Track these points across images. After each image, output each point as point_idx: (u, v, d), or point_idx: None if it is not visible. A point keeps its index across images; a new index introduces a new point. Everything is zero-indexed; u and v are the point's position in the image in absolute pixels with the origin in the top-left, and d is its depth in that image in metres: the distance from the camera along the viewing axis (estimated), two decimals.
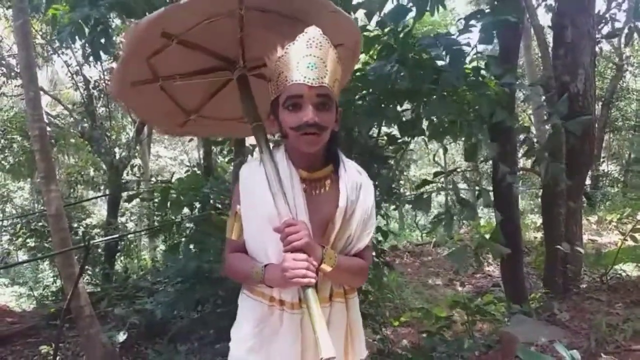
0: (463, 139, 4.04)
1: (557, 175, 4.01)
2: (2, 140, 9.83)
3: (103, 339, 4.08)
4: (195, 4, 1.36)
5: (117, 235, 7.43)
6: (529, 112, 11.36)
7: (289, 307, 1.40)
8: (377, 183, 3.57)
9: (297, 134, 1.32)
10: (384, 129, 4.52)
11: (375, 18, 3.61)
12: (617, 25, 6.25)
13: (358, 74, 3.55)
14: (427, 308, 5.05)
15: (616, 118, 14.06)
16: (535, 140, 4.99)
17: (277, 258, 1.35)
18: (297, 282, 1.24)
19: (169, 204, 4.38)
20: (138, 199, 6.15)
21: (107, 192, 9.11)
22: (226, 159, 6.03)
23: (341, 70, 1.40)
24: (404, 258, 9.84)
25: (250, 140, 4.77)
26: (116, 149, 8.96)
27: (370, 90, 3.70)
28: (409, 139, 4.28)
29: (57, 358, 4.08)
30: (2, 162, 10.27)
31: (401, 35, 3.48)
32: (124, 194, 8.08)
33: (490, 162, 4.73)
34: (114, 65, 8.44)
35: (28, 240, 7.68)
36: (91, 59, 4.50)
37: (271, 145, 1.50)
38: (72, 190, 9.86)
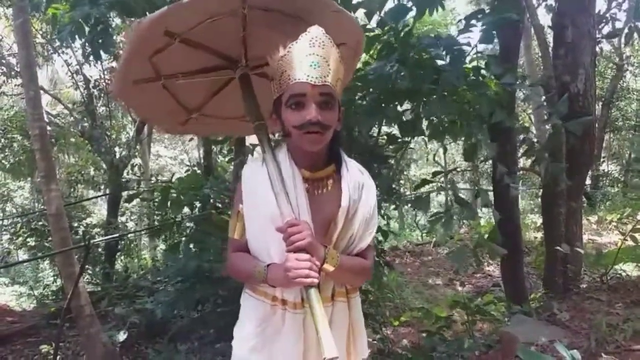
0: (463, 138, 4.05)
1: (557, 175, 4.01)
2: (3, 140, 9.83)
3: (103, 339, 4.08)
4: (198, 2, 1.36)
5: (117, 235, 7.43)
6: (529, 112, 11.36)
7: (291, 306, 1.40)
8: (377, 183, 3.57)
9: (300, 133, 1.32)
10: (384, 129, 4.53)
11: (375, 17, 3.61)
12: (618, 25, 6.25)
13: (358, 73, 3.55)
14: (427, 308, 5.05)
15: (616, 118, 14.06)
16: (535, 140, 4.99)
17: (280, 257, 1.35)
18: (300, 282, 1.24)
19: (169, 203, 4.38)
20: (138, 199, 6.16)
21: (107, 191, 9.12)
22: (226, 159, 6.03)
23: (343, 69, 1.40)
24: (404, 258, 9.85)
25: (251, 140, 4.77)
26: (116, 148, 8.96)
27: (371, 89, 3.70)
28: (409, 138, 4.28)
29: (58, 357, 4.08)
30: (3, 161, 10.27)
31: (401, 34, 3.48)
32: (124, 194, 8.09)
33: (491, 161, 4.72)
34: (115, 64, 8.46)
35: (28, 239, 7.69)
36: (91, 58, 4.50)
37: (273, 144, 1.50)
38: (72, 190, 9.87)
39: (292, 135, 1.36)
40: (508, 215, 4.60)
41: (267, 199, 1.36)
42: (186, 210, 4.87)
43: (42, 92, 6.43)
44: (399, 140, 4.22)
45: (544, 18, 6.85)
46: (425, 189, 4.12)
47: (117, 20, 7.07)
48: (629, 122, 14.32)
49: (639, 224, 4.63)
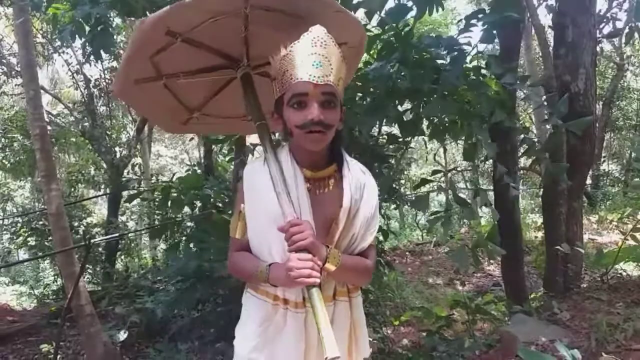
0: (463, 138, 4.05)
1: (557, 175, 4.00)
2: (3, 139, 9.83)
3: (104, 338, 4.09)
4: (200, 2, 1.36)
5: (117, 234, 7.44)
6: (529, 112, 11.36)
7: (293, 306, 1.40)
8: (377, 182, 3.57)
9: (302, 132, 1.32)
10: (385, 129, 4.53)
11: (376, 17, 3.61)
12: (618, 24, 6.24)
13: (358, 73, 3.55)
14: (427, 307, 5.06)
15: (617, 117, 14.05)
16: (535, 140, 4.99)
17: (281, 257, 1.35)
18: (302, 282, 1.24)
19: (169, 203, 4.39)
20: (139, 198, 6.16)
21: (108, 191, 9.12)
22: (227, 158, 6.04)
23: (345, 69, 1.40)
24: (405, 257, 9.85)
25: (251, 140, 4.77)
26: (117, 148, 8.97)
27: (371, 89, 3.70)
28: (410, 138, 4.29)
29: (58, 357, 4.09)
30: (3, 161, 10.27)
31: (402, 34, 3.48)
32: (125, 193, 8.10)
33: (491, 161, 4.73)
34: (115, 64, 8.48)
35: (29, 239, 7.69)
36: (92, 57, 4.50)
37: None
38: (72, 189, 9.86)
39: (294, 135, 1.36)
40: (508, 214, 4.60)
41: (269, 199, 1.35)
42: (186, 209, 4.88)
43: (42, 91, 6.44)
44: (400, 140, 4.22)
45: (545, 18, 6.85)
46: (425, 188, 4.12)
47: (117, 20, 7.08)
48: (630, 122, 14.31)
49: (639, 223, 4.62)
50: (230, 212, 4.30)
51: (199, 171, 6.48)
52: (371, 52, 3.90)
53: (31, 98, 4.02)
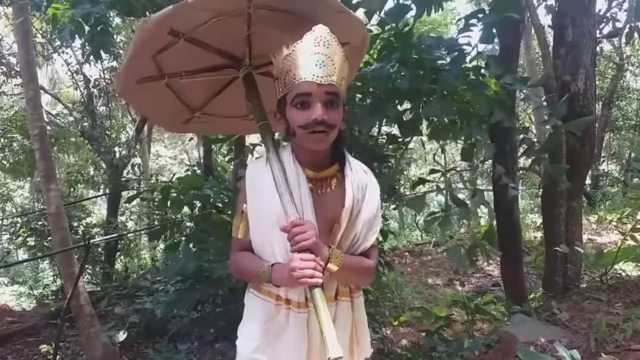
0: (463, 138, 4.05)
1: (557, 175, 4.00)
2: (2, 139, 9.82)
3: (103, 338, 4.08)
4: (204, 2, 1.36)
5: (117, 235, 7.44)
6: (529, 112, 11.36)
7: (295, 306, 1.40)
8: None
9: (305, 132, 1.32)
10: (384, 129, 4.53)
11: (375, 17, 3.61)
12: (618, 24, 6.25)
13: (358, 73, 3.55)
14: (426, 308, 5.05)
15: (616, 117, 14.06)
16: (535, 140, 4.99)
17: (284, 257, 1.35)
18: (305, 282, 1.24)
19: (169, 203, 4.38)
20: (138, 199, 6.16)
21: (107, 191, 9.11)
22: (226, 158, 6.03)
23: (348, 68, 1.40)
24: (404, 258, 9.85)
25: (250, 140, 4.77)
26: (116, 148, 8.95)
27: (371, 89, 3.70)
28: (409, 138, 4.29)
29: (57, 357, 4.08)
30: (3, 161, 10.27)
31: (402, 32, 3.49)
32: (124, 193, 8.10)
33: (491, 161, 4.73)
34: (115, 64, 8.47)
35: (28, 239, 7.68)
36: (91, 57, 4.50)
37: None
38: (72, 189, 9.86)
39: (297, 135, 1.36)
40: (507, 215, 4.60)
41: (271, 199, 1.36)
42: (186, 210, 4.88)
43: (42, 91, 6.43)
44: (399, 140, 4.22)
45: (544, 18, 6.85)
46: (425, 189, 4.12)
47: (117, 20, 7.08)
48: (629, 122, 14.31)
49: (639, 223, 4.62)
50: (229, 212, 4.30)
51: (198, 171, 6.48)
52: (371, 52, 3.90)
53: (30, 98, 4.02)
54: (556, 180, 4.07)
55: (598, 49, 7.37)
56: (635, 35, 6.21)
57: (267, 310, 1.43)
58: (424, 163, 15.12)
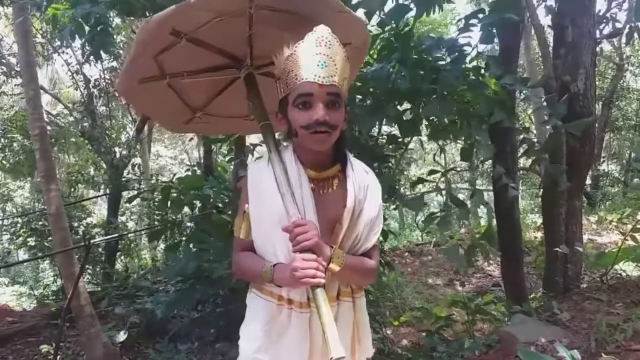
0: (462, 139, 4.05)
1: (557, 176, 4.00)
2: (3, 140, 9.82)
3: (104, 338, 4.08)
4: (205, 2, 1.37)
5: (117, 235, 7.44)
6: (529, 112, 11.36)
7: (297, 306, 1.40)
8: None
9: (307, 133, 1.32)
10: (385, 128, 4.53)
11: (375, 17, 3.61)
12: (618, 25, 6.24)
13: (358, 73, 3.55)
14: (427, 308, 5.05)
15: (616, 118, 14.06)
16: (535, 140, 4.99)
17: (286, 257, 1.35)
18: (307, 282, 1.24)
19: (169, 203, 4.39)
20: (138, 199, 6.17)
21: (108, 191, 9.11)
22: (226, 158, 6.03)
23: (349, 69, 1.40)
24: (404, 258, 9.84)
25: (251, 140, 4.77)
26: (116, 148, 8.95)
27: (371, 89, 3.70)
28: (409, 138, 4.29)
29: (58, 357, 4.08)
30: (3, 161, 10.27)
31: (402, 33, 3.49)
32: (125, 193, 8.10)
33: (491, 161, 4.73)
34: (115, 64, 8.47)
35: (28, 239, 7.69)
36: (91, 58, 4.50)
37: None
38: (72, 190, 9.86)
39: (299, 135, 1.36)
40: (508, 215, 4.60)
41: (273, 199, 1.36)
42: (186, 210, 4.88)
43: (42, 91, 6.43)
44: (399, 140, 4.22)
45: (544, 18, 6.85)
46: (425, 189, 4.13)
47: (117, 20, 7.08)
48: (629, 122, 14.32)
49: (639, 223, 4.62)
50: (230, 212, 4.30)
51: (198, 171, 6.48)
52: (371, 53, 3.90)
53: (31, 98, 4.02)
54: (556, 180, 4.07)
55: (598, 49, 7.37)
56: (635, 35, 6.21)
57: (269, 310, 1.43)
58: (423, 163, 15.14)
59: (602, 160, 14.28)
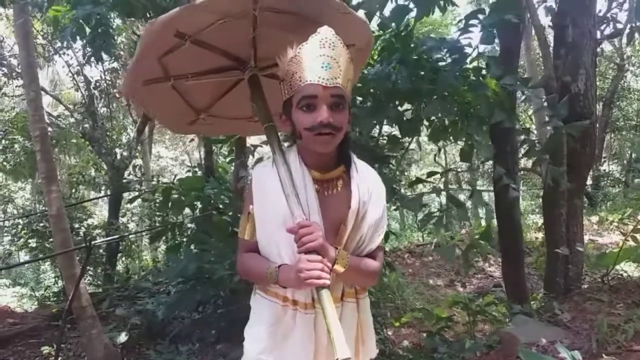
0: (463, 139, 4.05)
1: (557, 176, 4.00)
2: (4, 141, 9.83)
3: (105, 340, 4.09)
4: (210, 4, 1.36)
5: (118, 236, 7.44)
6: (530, 113, 11.36)
7: (302, 307, 1.40)
8: None
9: (311, 135, 1.32)
10: (385, 129, 4.53)
11: (375, 19, 3.61)
12: (618, 25, 6.24)
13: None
14: (428, 308, 5.05)
15: (617, 118, 14.06)
16: (536, 140, 4.99)
17: (290, 258, 1.35)
18: (312, 284, 1.24)
19: (170, 204, 4.39)
20: (139, 200, 6.16)
21: (109, 192, 9.12)
22: (227, 159, 6.04)
23: (353, 70, 1.40)
24: (405, 259, 9.84)
25: (251, 141, 4.77)
26: (117, 149, 8.96)
27: (371, 90, 3.70)
28: (409, 139, 4.29)
29: (59, 359, 4.08)
30: (4, 162, 10.28)
31: (402, 34, 3.49)
32: (125, 195, 8.11)
33: (492, 162, 4.74)
34: (115, 65, 8.48)
35: (29, 240, 7.69)
36: (92, 59, 4.51)
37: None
38: (73, 191, 9.86)
39: (303, 137, 1.36)
40: (508, 215, 4.60)
41: (278, 200, 1.36)
42: (187, 211, 4.88)
43: (43, 93, 6.44)
44: (401, 140, 4.23)
45: (545, 18, 6.85)
46: (425, 189, 4.13)
47: (118, 21, 7.09)
48: (630, 122, 14.32)
49: None
50: (230, 213, 4.31)
51: (199, 172, 6.48)
52: (371, 53, 3.91)
53: (32, 99, 4.03)
54: (557, 180, 4.07)
55: (599, 49, 7.36)
56: (636, 35, 6.21)
57: (274, 311, 1.43)
58: (424, 164, 15.14)
59: (603, 160, 14.28)
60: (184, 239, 4.86)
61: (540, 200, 5.60)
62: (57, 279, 8.06)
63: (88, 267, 6.79)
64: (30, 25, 4.47)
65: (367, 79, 3.56)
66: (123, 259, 8.99)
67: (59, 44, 8.65)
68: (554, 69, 4.35)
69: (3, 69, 9.38)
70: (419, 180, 4.10)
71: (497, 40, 4.64)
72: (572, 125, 3.92)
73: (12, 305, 7.64)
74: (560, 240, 4.21)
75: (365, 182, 1.44)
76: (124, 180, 8.24)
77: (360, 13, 3.61)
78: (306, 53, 1.31)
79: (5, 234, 10.02)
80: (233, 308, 4.15)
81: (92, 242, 4.61)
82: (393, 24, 3.59)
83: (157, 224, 7.14)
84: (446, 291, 7.80)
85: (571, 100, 4.14)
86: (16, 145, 9.86)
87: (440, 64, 3.58)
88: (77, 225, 7.85)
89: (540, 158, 4.20)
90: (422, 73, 3.45)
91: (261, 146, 4.62)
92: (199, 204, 4.63)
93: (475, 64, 3.88)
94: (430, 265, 9.23)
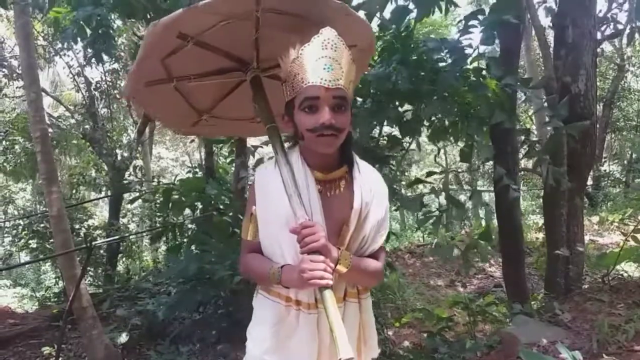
0: (464, 140, 4.06)
1: (558, 177, 4.01)
2: (4, 142, 9.84)
3: (105, 340, 4.09)
4: (212, 5, 1.36)
5: (118, 237, 7.45)
6: (530, 113, 11.36)
7: (305, 307, 1.40)
8: None
9: (314, 136, 1.32)
10: (386, 129, 4.53)
11: (375, 19, 3.62)
12: (619, 25, 6.24)
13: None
14: (428, 309, 5.05)
15: (618, 118, 14.06)
16: (536, 140, 4.99)
17: (293, 259, 1.36)
18: (315, 284, 1.24)
19: (170, 205, 4.39)
20: (140, 200, 6.17)
21: (109, 193, 9.13)
22: (227, 160, 6.04)
23: (355, 71, 1.40)
24: (406, 259, 9.84)
25: (251, 142, 4.78)
26: (118, 150, 8.97)
27: (372, 91, 3.71)
28: (410, 139, 4.30)
29: (59, 359, 4.08)
30: (4, 163, 10.28)
31: (402, 34, 3.50)
32: (126, 195, 8.11)
33: (492, 162, 4.74)
34: (116, 66, 8.49)
35: (30, 241, 7.70)
36: (93, 60, 4.51)
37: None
38: (73, 192, 9.87)
39: (305, 138, 1.36)
40: (509, 216, 4.60)
41: (281, 201, 1.36)
42: (187, 211, 4.88)
43: (43, 94, 6.45)
44: (401, 140, 4.23)
45: (545, 18, 6.85)
46: (425, 190, 4.13)
47: (119, 22, 7.09)
48: (630, 123, 14.32)
49: None
50: (231, 213, 4.31)
51: (199, 173, 6.49)
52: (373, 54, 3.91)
53: (32, 101, 4.03)
54: (558, 181, 4.07)
55: (599, 49, 7.36)
56: (636, 36, 6.21)
57: (277, 311, 1.43)
58: (424, 164, 15.14)
59: (603, 160, 14.28)
60: (185, 240, 4.86)
61: (541, 200, 5.60)
62: (57, 279, 8.07)
63: (89, 268, 6.79)
64: (31, 26, 4.47)
65: (368, 80, 3.56)
66: (123, 259, 8.99)
67: (59, 45, 8.66)
68: (554, 70, 4.35)
69: (4, 70, 9.40)
70: (418, 181, 4.11)
71: (497, 41, 4.64)
72: (573, 125, 3.92)
73: (12, 306, 7.63)
74: (561, 241, 4.22)
75: (368, 182, 1.45)
76: (125, 181, 8.25)
77: (361, 14, 3.62)
78: (308, 54, 1.31)
79: (6, 235, 10.03)
80: (233, 308, 4.15)
81: (93, 243, 4.61)
82: (393, 25, 3.59)
83: (158, 225, 7.14)
84: (447, 291, 7.80)
85: (571, 101, 4.14)
86: (17, 146, 9.86)
87: (441, 64, 3.58)
88: (77, 226, 7.86)
89: (541, 158, 4.21)
90: (423, 74, 3.45)
91: (261, 147, 4.62)
92: (199, 205, 4.63)
93: (475, 64, 3.88)
94: (430, 265, 9.23)
